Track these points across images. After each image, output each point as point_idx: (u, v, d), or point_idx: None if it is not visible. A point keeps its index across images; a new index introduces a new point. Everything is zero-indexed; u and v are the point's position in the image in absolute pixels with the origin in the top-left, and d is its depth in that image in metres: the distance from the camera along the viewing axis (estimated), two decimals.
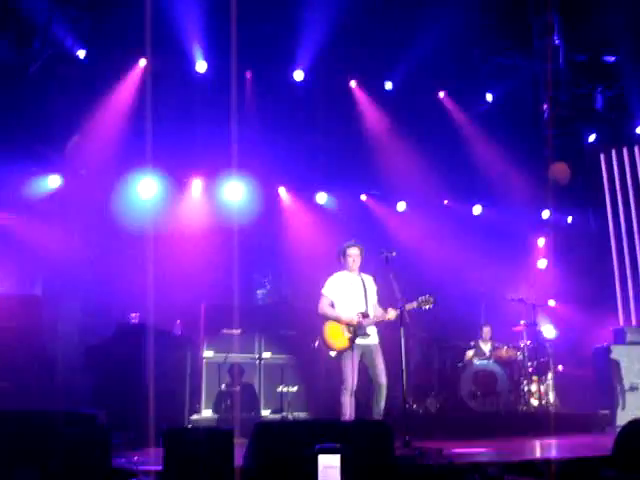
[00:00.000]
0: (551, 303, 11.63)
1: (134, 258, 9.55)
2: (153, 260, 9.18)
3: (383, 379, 6.72)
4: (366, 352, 6.80)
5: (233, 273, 9.79)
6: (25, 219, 9.72)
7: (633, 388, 9.22)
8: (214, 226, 10.56)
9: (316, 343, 7.45)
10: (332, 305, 6.99)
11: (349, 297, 6.97)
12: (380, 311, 6.89)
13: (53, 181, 10.03)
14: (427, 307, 6.85)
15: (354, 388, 6.72)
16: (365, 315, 6.84)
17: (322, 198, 11.65)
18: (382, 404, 6.66)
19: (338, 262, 7.14)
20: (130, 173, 10.23)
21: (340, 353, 6.78)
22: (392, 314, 6.77)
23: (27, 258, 9.50)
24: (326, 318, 6.97)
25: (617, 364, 9.46)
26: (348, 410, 6.63)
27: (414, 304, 6.84)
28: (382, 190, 11.81)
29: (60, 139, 9.79)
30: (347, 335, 6.78)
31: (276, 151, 10.61)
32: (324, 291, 7.08)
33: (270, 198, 11.20)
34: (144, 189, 10.26)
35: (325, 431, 3.88)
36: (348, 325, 6.80)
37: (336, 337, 6.83)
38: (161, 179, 10.35)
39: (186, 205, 10.77)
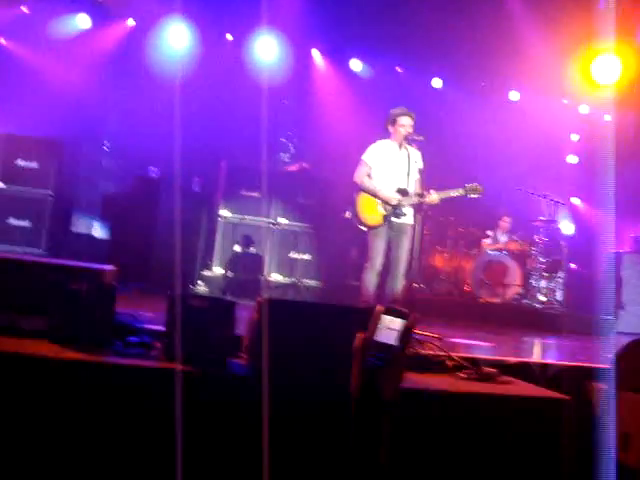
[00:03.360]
0: (575, 201, 11.46)
1: (158, 110, 9.38)
2: (177, 113, 9.03)
3: (402, 267, 6.33)
4: (397, 232, 6.38)
5: (258, 134, 9.65)
6: (52, 59, 9.56)
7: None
8: (242, 84, 10.32)
9: (347, 214, 7.15)
10: (369, 175, 6.47)
11: (390, 169, 6.41)
12: (420, 191, 6.28)
13: (82, 21, 9.79)
14: (474, 196, 6.41)
15: (380, 268, 6.39)
16: (405, 193, 6.37)
17: (356, 65, 11.32)
18: (397, 284, 6.31)
19: (385, 130, 6.52)
20: (161, 19, 9.95)
21: (371, 229, 6.42)
22: (434, 197, 6.27)
23: (52, 100, 9.39)
24: (362, 188, 6.46)
25: (620, 281, 9.38)
26: (370, 289, 6.34)
27: (460, 191, 6.38)
28: (418, 63, 11.41)
29: None
30: (382, 212, 6.36)
31: (311, 11, 10.15)
32: (364, 157, 6.50)
33: (302, 60, 10.88)
34: (175, 38, 10.01)
35: (328, 314, 3.91)
36: (385, 202, 6.38)
37: (369, 212, 6.39)
38: (193, 30, 10.06)
39: (216, 60, 10.49)
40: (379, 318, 1.79)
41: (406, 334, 1.74)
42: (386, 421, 1.78)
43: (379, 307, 1.85)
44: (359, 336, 1.79)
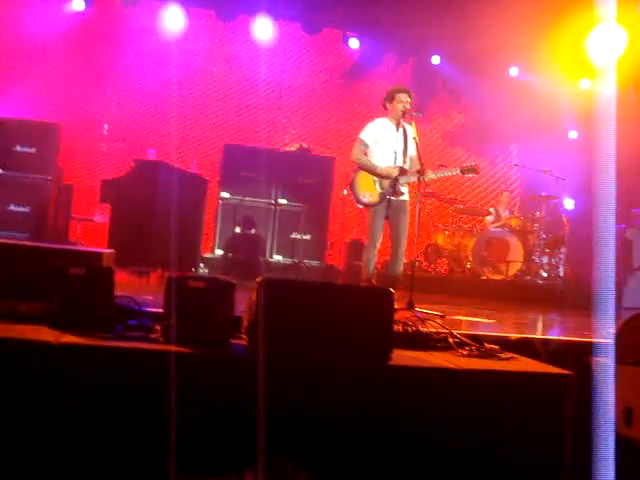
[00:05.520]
0: (576, 177, 11.39)
1: (157, 92, 9.39)
2: (175, 96, 9.02)
3: (403, 240, 6.35)
4: (394, 208, 6.32)
5: (257, 115, 9.63)
6: (48, 42, 9.50)
7: None
8: (241, 65, 10.29)
9: (344, 191, 7.08)
10: (366, 153, 6.41)
11: (387, 148, 6.36)
12: (418, 167, 6.19)
13: (77, 3, 9.73)
14: (470, 175, 6.51)
15: (379, 246, 6.37)
16: (402, 171, 6.30)
17: (355, 44, 11.24)
18: (399, 267, 6.33)
19: (383, 108, 6.46)
20: (157, 3, 9.89)
21: (368, 207, 6.38)
22: (431, 177, 6.22)
23: (50, 83, 9.35)
24: (359, 166, 6.43)
25: (629, 244, 9.34)
26: (370, 267, 6.34)
27: (456, 170, 6.46)
28: (416, 40, 11.31)
29: None
30: (379, 190, 6.30)
31: None
32: (362, 135, 6.45)
33: (300, 40, 10.81)
34: (171, 19, 9.95)
35: (327, 293, 3.89)
36: (382, 179, 6.30)
37: (367, 190, 6.33)
38: (189, 12, 10.00)
39: (214, 42, 10.44)
40: None
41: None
42: None
43: None
44: None
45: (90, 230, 9.27)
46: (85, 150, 9.66)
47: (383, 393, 3.68)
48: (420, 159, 6.23)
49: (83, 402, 3.43)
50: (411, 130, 6.39)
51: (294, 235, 9.36)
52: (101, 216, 9.08)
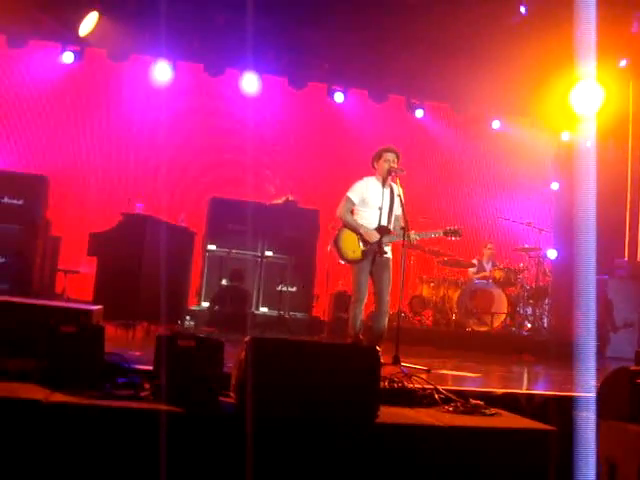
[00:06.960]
0: (558, 227, 11.56)
1: (143, 147, 9.51)
2: (163, 150, 9.13)
3: (386, 296, 6.42)
4: (378, 265, 6.41)
5: (243, 168, 9.75)
6: (37, 96, 9.65)
7: (627, 325, 9.27)
8: (227, 119, 10.44)
9: (328, 247, 7.16)
10: (352, 212, 6.50)
11: (373, 207, 6.45)
12: (403, 224, 6.31)
13: (67, 58, 9.88)
14: (452, 238, 6.59)
15: (365, 300, 6.44)
16: (386, 231, 6.42)
17: (340, 98, 11.44)
18: (384, 321, 6.38)
19: (372, 168, 6.59)
20: (145, 57, 10.05)
21: (351, 264, 6.45)
22: (413, 237, 6.30)
23: (39, 136, 9.47)
24: (344, 224, 6.52)
25: (610, 304, 9.48)
26: (357, 323, 6.37)
27: (439, 232, 6.59)
28: (398, 95, 11.54)
29: (75, 15, 9.54)
30: (362, 247, 6.40)
31: (294, 45, 10.21)
32: (350, 194, 6.51)
33: (288, 94, 11.00)
34: (158, 75, 10.10)
35: (315, 352, 3.94)
36: (365, 240, 6.40)
37: (350, 247, 6.43)
38: (176, 67, 10.16)
39: (199, 96, 10.60)
40: None
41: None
42: None
43: None
44: None
45: (76, 281, 9.27)
46: (74, 202, 9.73)
47: (370, 450, 3.71)
48: (405, 217, 6.35)
49: (73, 461, 3.44)
50: (396, 188, 6.53)
51: (280, 287, 9.41)
52: (87, 268, 9.09)
